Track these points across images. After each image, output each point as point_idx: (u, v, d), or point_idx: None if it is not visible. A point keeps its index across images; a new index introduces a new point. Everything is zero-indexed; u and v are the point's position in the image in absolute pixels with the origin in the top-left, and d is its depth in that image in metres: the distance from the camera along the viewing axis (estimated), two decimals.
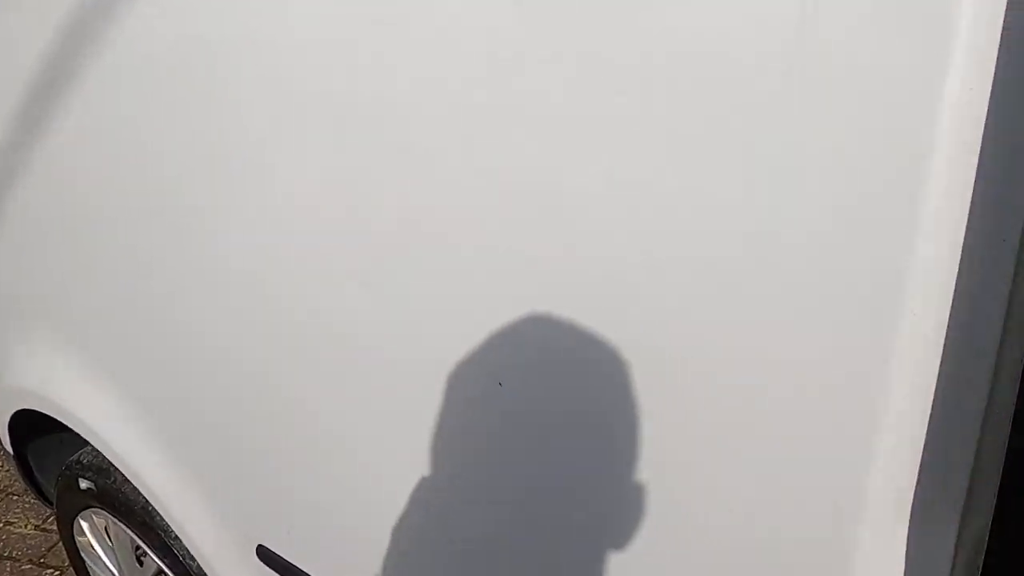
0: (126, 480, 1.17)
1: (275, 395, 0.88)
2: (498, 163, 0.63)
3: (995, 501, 0.51)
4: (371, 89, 0.67)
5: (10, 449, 1.42)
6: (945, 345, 0.47)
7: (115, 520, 1.28)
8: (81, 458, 1.28)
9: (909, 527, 0.51)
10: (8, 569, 1.82)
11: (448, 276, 0.69)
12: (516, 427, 0.70)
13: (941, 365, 0.48)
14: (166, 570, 1.20)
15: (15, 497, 2.01)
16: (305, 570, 0.90)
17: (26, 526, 1.94)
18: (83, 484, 1.28)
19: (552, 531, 0.71)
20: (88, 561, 1.47)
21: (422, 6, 0.63)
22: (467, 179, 0.65)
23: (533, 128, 0.60)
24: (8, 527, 1.94)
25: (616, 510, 0.65)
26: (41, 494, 1.52)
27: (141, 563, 1.30)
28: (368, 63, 0.66)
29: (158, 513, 1.13)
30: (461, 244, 0.67)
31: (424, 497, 0.80)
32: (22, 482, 1.51)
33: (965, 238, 0.46)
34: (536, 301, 0.65)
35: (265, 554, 0.94)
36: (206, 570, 1.08)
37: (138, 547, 1.27)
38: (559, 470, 0.68)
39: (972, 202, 0.46)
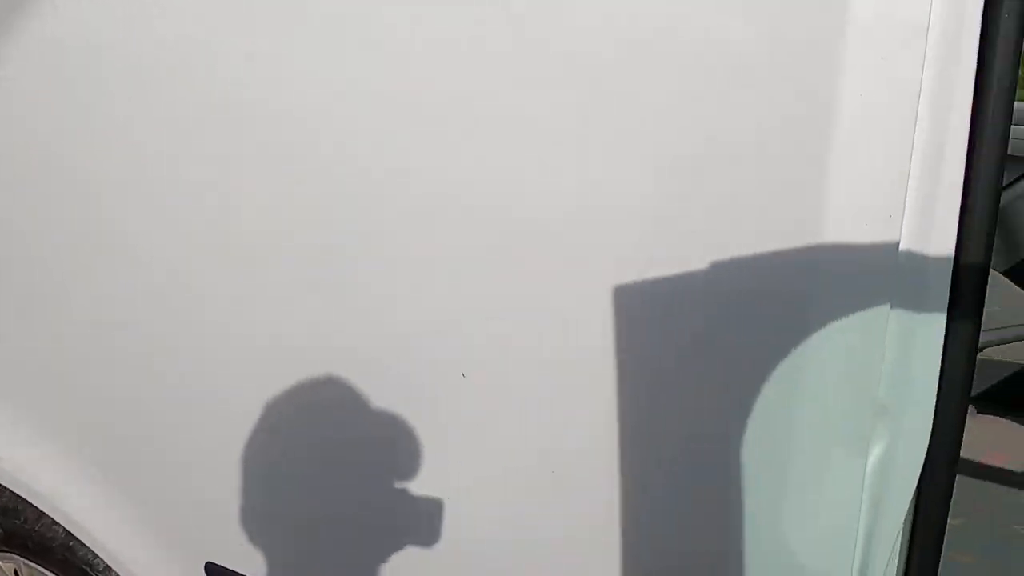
0: (40, 516, 1.10)
1: (210, 401, 0.86)
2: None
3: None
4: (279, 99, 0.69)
5: None
6: None
7: (27, 562, 1.19)
8: None
9: None
10: None
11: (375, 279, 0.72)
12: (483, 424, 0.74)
13: None
14: None
15: None
16: None
17: None
18: None
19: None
20: None
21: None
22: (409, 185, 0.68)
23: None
24: None
25: None
26: None
27: None
28: (308, 75, 0.67)
29: (83, 547, 1.07)
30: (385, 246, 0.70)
31: (370, 499, 0.82)
32: None
33: None
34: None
35: (215, 571, 0.92)
36: None
37: None
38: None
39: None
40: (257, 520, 0.90)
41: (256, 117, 0.71)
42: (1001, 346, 1.41)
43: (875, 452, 0.56)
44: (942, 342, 0.55)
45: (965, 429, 1.24)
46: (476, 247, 0.65)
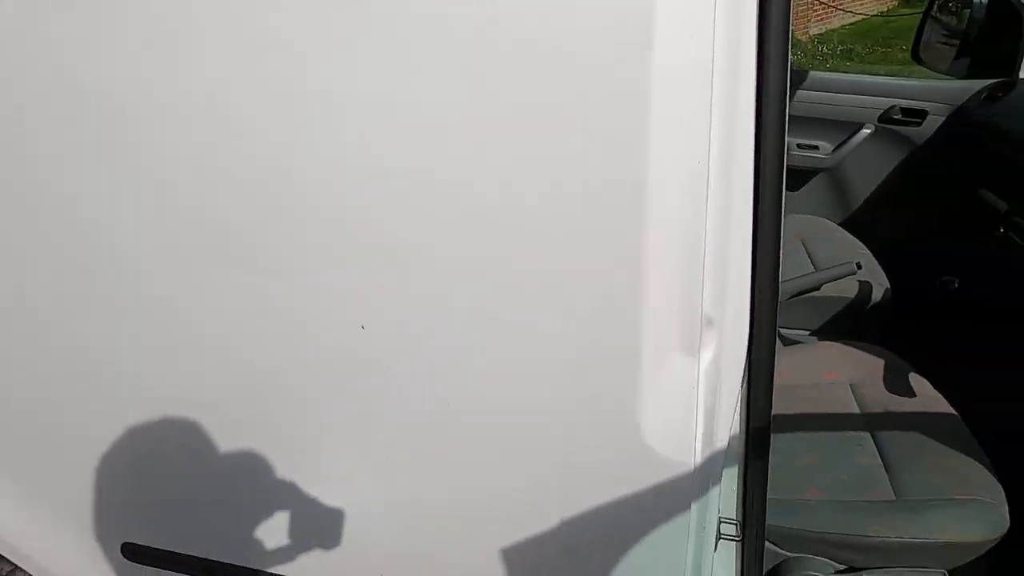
0: None
1: (110, 383, 0.87)
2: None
3: None
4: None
5: None
6: None
7: None
8: None
9: None
10: None
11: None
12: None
13: None
14: None
15: None
16: (186, 552, 0.93)
17: None
18: None
19: None
20: None
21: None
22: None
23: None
24: None
25: None
26: None
27: None
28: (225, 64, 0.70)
29: None
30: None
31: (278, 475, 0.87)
32: None
33: None
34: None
35: (133, 550, 0.94)
36: None
37: None
38: None
39: None
40: (173, 497, 0.93)
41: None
42: (834, 283, 1.64)
43: (705, 357, 0.69)
44: (750, 271, 0.68)
45: (805, 353, 1.44)
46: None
